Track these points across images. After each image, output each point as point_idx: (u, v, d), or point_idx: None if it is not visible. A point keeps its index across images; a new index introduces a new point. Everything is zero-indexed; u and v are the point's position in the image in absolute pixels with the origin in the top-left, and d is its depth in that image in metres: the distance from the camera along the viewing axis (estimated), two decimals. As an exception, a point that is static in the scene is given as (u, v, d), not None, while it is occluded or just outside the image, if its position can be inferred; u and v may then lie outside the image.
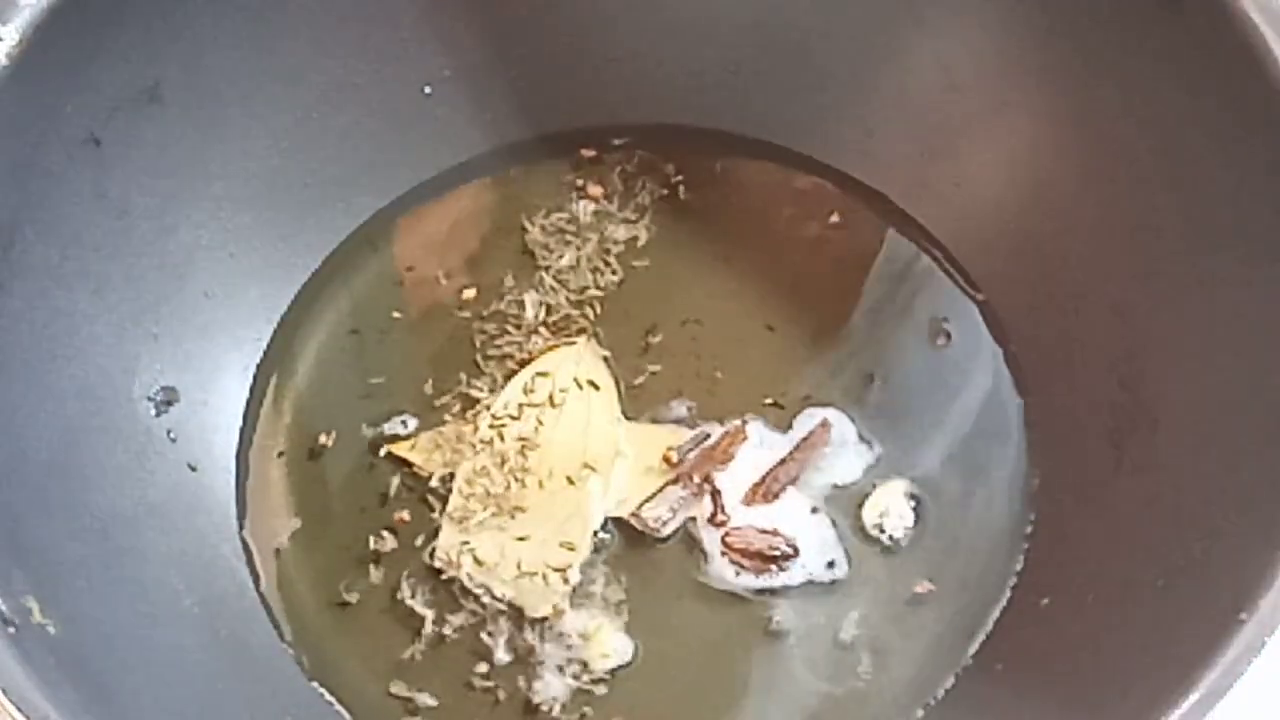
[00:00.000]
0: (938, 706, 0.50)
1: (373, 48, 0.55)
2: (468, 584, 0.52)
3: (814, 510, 0.53)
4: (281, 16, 0.52)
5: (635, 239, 0.59)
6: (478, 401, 0.55)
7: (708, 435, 0.55)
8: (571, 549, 0.52)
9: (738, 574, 0.52)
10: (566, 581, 0.52)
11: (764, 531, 0.53)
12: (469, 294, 0.58)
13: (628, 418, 0.55)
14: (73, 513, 0.46)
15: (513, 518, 0.53)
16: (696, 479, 0.53)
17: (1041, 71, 0.53)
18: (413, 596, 0.52)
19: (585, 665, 0.51)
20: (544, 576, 0.52)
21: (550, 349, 0.57)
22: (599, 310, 0.58)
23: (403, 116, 0.58)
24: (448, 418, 0.55)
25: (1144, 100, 0.49)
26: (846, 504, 0.54)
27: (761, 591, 0.52)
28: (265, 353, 0.57)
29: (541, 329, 0.57)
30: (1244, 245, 0.46)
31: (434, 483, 0.54)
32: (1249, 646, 0.38)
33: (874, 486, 0.54)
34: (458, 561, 0.52)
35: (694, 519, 0.53)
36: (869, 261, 0.59)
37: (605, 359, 0.56)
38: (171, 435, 0.53)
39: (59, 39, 0.45)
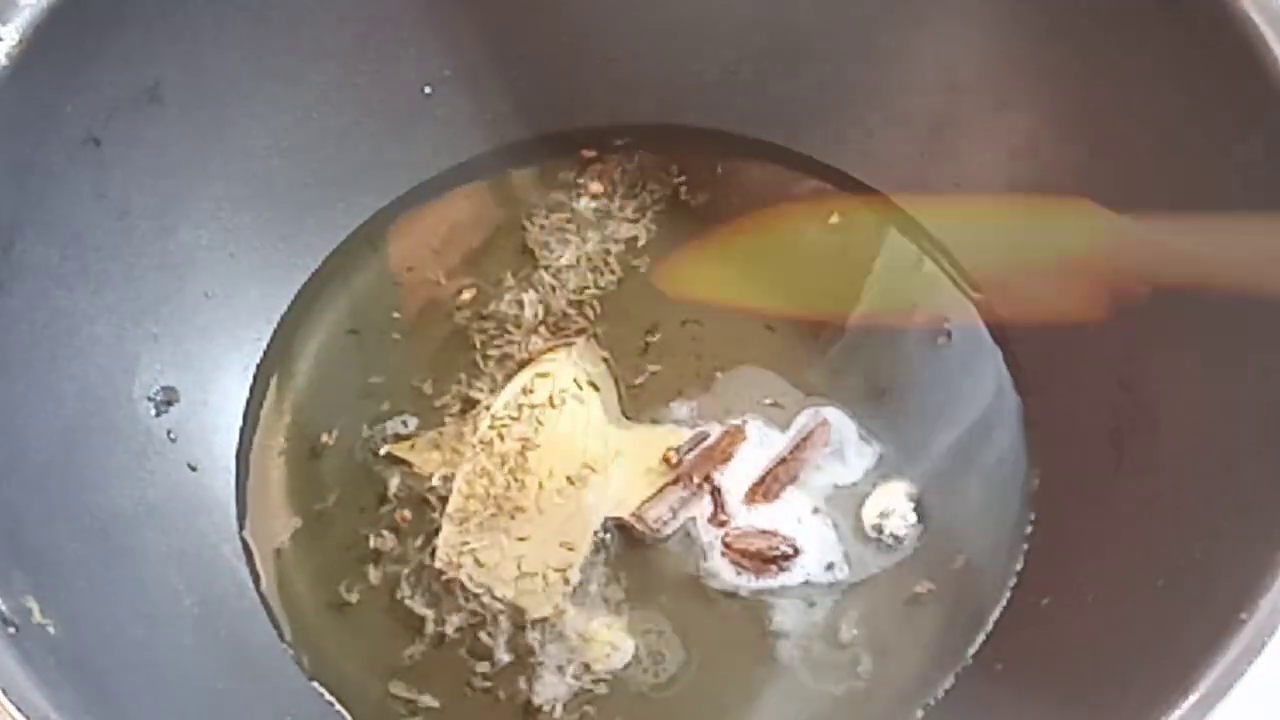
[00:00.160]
0: (938, 706, 0.50)
1: (373, 48, 0.55)
2: (468, 585, 0.52)
3: (814, 510, 0.53)
4: (281, 16, 0.52)
5: (635, 239, 0.59)
6: (477, 402, 0.55)
7: (707, 435, 0.55)
8: (571, 549, 0.52)
9: (738, 574, 0.52)
10: (567, 582, 0.52)
11: (764, 532, 0.53)
12: (469, 294, 0.58)
13: (627, 418, 0.55)
14: (73, 513, 0.46)
15: (513, 518, 0.53)
16: (696, 479, 0.53)
17: (1041, 71, 0.53)
18: (412, 596, 0.52)
19: (586, 666, 0.51)
20: (544, 577, 0.52)
21: (550, 349, 0.57)
22: (599, 310, 0.58)
23: (403, 116, 0.58)
24: (447, 418, 0.55)
25: (1144, 100, 0.49)
26: (847, 504, 0.54)
27: (762, 592, 0.52)
28: (265, 353, 0.57)
29: (541, 329, 0.57)
30: (1244, 245, 0.46)
31: (434, 482, 0.54)
32: (1249, 646, 0.38)
33: (874, 487, 0.54)
34: (458, 563, 0.52)
35: (694, 519, 0.53)
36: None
37: (605, 359, 0.56)
38: (171, 435, 0.53)
39: (59, 39, 0.45)
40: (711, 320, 0.57)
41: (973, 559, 0.53)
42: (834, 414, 0.55)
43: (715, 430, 0.55)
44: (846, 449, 0.54)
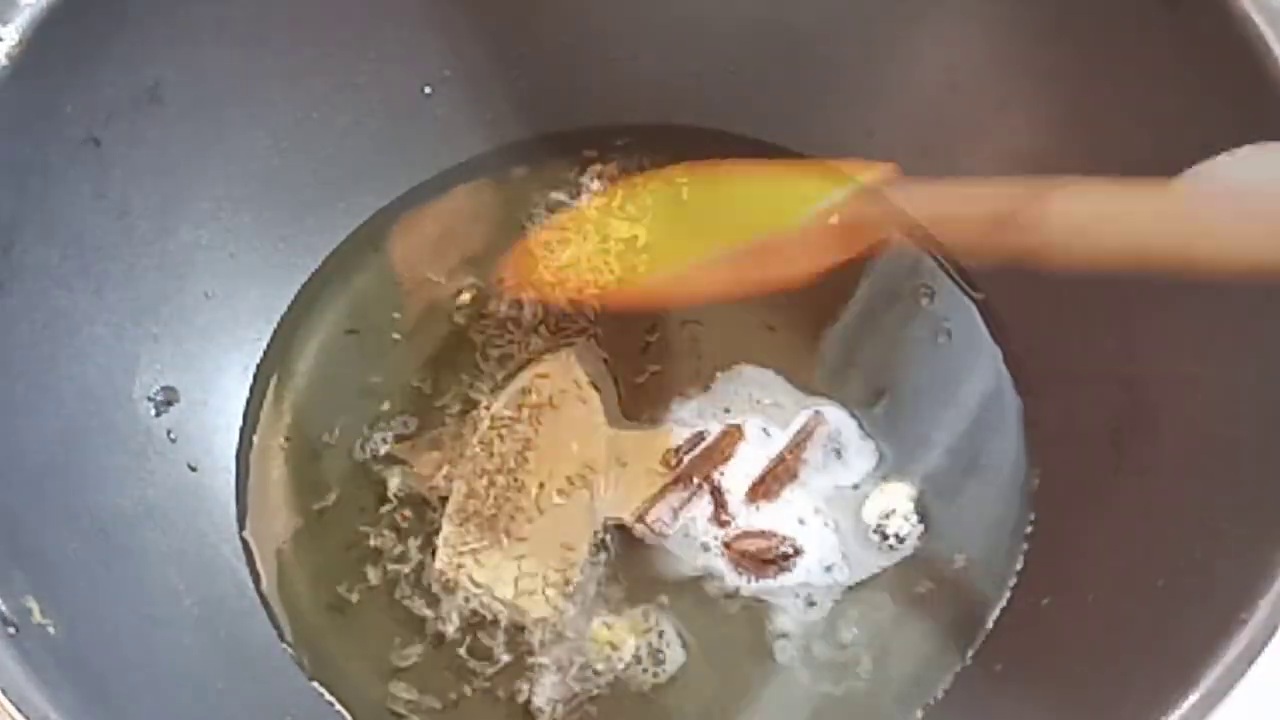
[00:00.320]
0: (938, 706, 0.50)
1: (373, 48, 0.55)
2: (468, 586, 0.52)
3: (815, 511, 0.53)
4: (281, 16, 0.52)
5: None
6: (477, 402, 0.55)
7: (706, 435, 0.54)
8: (571, 550, 0.52)
9: (739, 574, 0.52)
10: (567, 583, 0.52)
11: (765, 532, 0.53)
12: (469, 294, 0.58)
13: (627, 418, 0.55)
14: (73, 513, 0.46)
15: (513, 519, 0.53)
16: (696, 479, 0.53)
17: (1041, 71, 0.53)
18: (412, 597, 0.52)
19: (586, 666, 0.51)
20: (544, 578, 0.52)
21: (550, 350, 0.57)
22: (599, 310, 0.58)
23: (403, 116, 0.58)
24: (447, 418, 0.55)
25: (1144, 100, 0.49)
26: (847, 504, 0.54)
27: (762, 592, 0.52)
28: (265, 353, 0.57)
29: (541, 329, 0.57)
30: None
31: (434, 482, 0.54)
32: (1249, 646, 0.38)
33: (875, 487, 0.54)
34: (458, 563, 0.52)
35: (694, 519, 0.53)
36: (869, 262, 0.58)
37: (605, 360, 0.56)
38: (171, 435, 0.53)
39: (59, 39, 0.45)
40: (711, 320, 0.57)
41: (973, 559, 0.53)
42: (834, 414, 0.55)
43: (714, 430, 0.55)
44: (847, 449, 0.54)
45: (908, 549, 0.53)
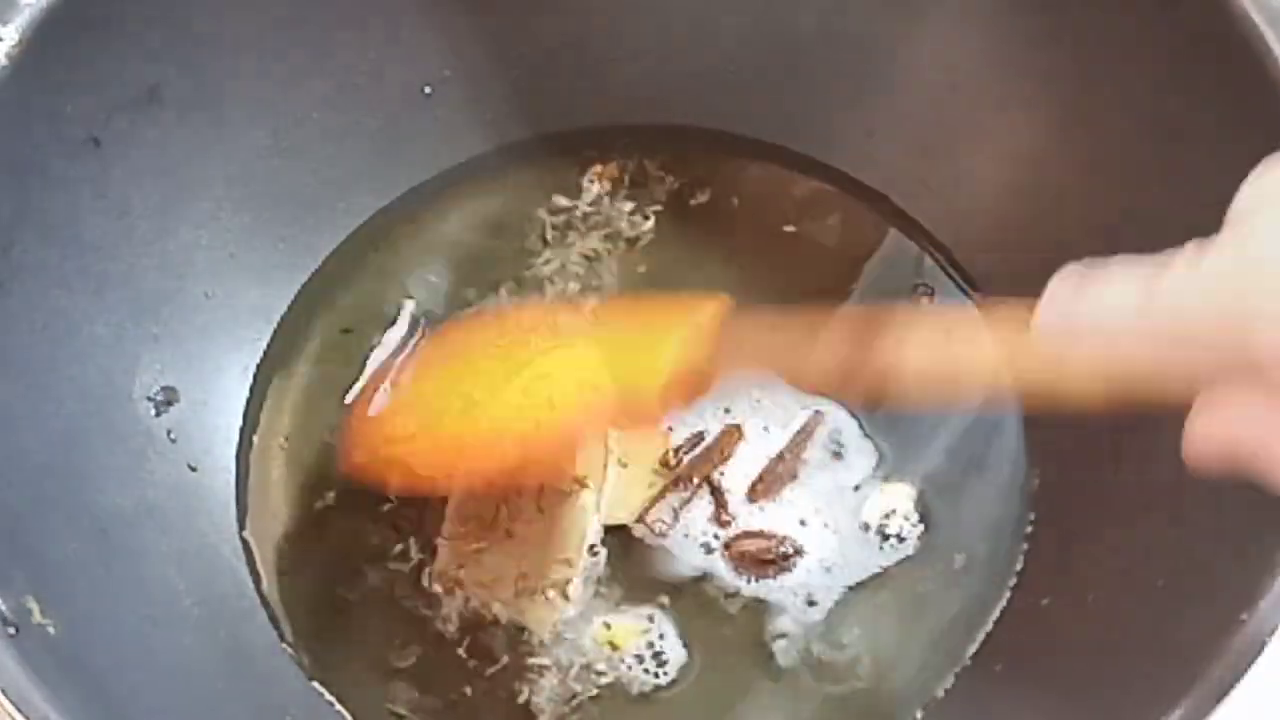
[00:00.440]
0: (938, 706, 0.50)
1: (373, 48, 0.55)
2: (469, 590, 0.52)
3: (816, 511, 0.53)
4: (281, 16, 0.52)
5: (636, 239, 0.59)
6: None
7: (704, 435, 0.54)
8: (570, 564, 0.52)
9: (739, 575, 0.52)
10: (567, 597, 0.52)
11: (765, 533, 0.53)
12: (468, 295, 0.58)
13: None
14: (73, 513, 0.46)
15: (510, 533, 0.52)
16: (696, 479, 0.53)
17: (1041, 71, 0.53)
18: (412, 597, 0.52)
19: (586, 667, 0.51)
20: (543, 594, 0.52)
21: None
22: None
23: (403, 116, 0.58)
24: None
25: (1144, 100, 0.49)
26: (848, 505, 0.54)
27: (762, 592, 0.52)
28: (265, 353, 0.57)
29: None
30: (1244, 245, 0.46)
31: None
32: (1249, 646, 0.38)
33: (875, 487, 0.54)
34: (458, 567, 0.52)
35: (695, 519, 0.53)
36: (869, 262, 0.59)
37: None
38: (171, 435, 0.53)
39: (59, 39, 0.45)
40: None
41: (973, 559, 0.53)
42: (834, 414, 0.55)
43: (714, 430, 0.55)
44: (847, 449, 0.54)
45: (908, 549, 0.53)
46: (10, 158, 0.45)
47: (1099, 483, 0.51)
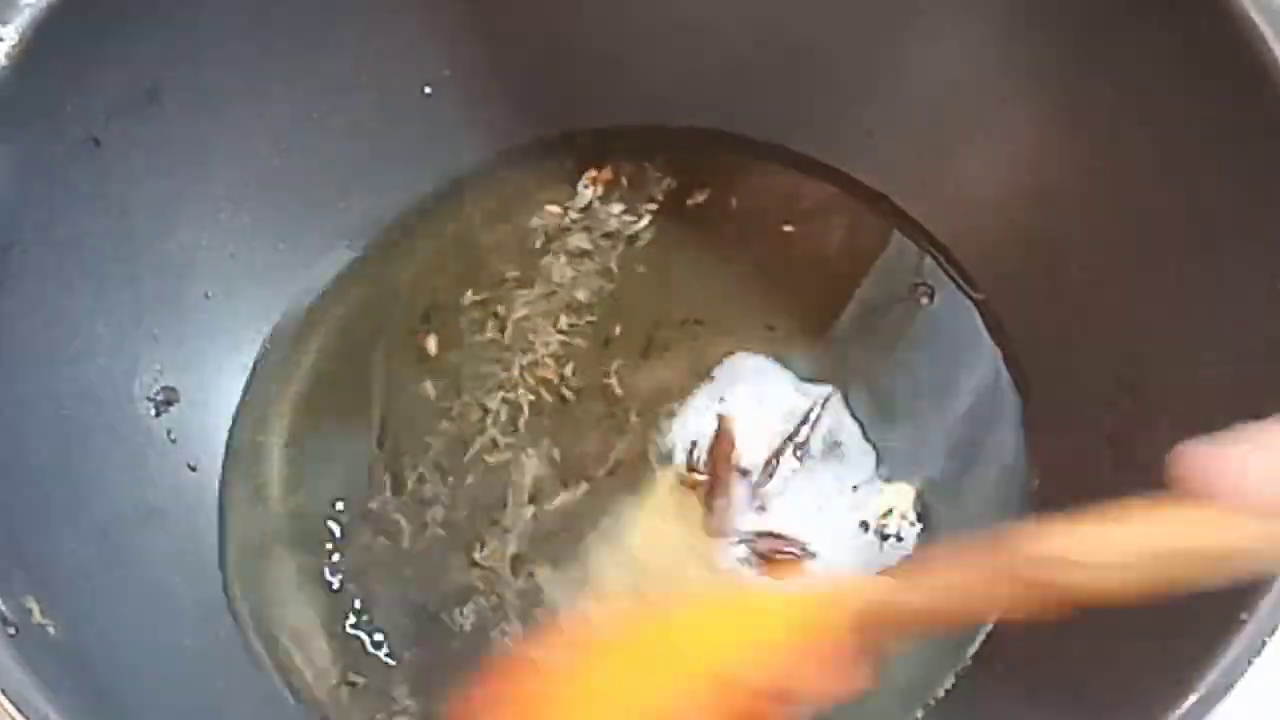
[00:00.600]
0: (938, 706, 0.50)
1: (373, 48, 0.55)
2: None
3: (818, 509, 0.53)
4: (281, 16, 0.52)
5: (636, 239, 0.59)
6: (486, 410, 0.55)
7: (697, 440, 0.54)
8: None
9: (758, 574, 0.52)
10: None
11: (773, 534, 0.53)
12: (469, 295, 0.58)
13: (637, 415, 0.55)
14: (73, 513, 0.46)
15: None
16: (723, 476, 0.53)
17: (1041, 71, 0.53)
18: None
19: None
20: None
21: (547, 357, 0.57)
22: (599, 311, 0.58)
23: (403, 116, 0.58)
24: (446, 422, 0.55)
25: (1144, 100, 0.49)
26: (848, 505, 0.54)
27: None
28: (265, 353, 0.57)
29: (541, 329, 0.57)
30: (1244, 245, 0.46)
31: (435, 488, 0.54)
32: (1249, 646, 0.38)
33: (875, 487, 0.54)
34: None
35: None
36: (869, 262, 0.59)
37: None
38: (171, 435, 0.53)
39: (59, 39, 0.45)
40: (712, 319, 0.57)
41: (973, 559, 0.53)
42: (834, 412, 0.55)
43: (705, 432, 0.54)
44: (847, 449, 0.54)
45: (908, 548, 0.53)
46: (10, 158, 0.45)
47: (1099, 483, 0.51)
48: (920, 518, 0.53)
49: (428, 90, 0.58)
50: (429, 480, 0.54)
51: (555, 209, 0.60)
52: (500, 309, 0.58)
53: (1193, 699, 0.38)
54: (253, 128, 0.54)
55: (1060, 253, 0.54)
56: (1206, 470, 0.32)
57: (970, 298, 0.57)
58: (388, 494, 0.54)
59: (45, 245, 0.47)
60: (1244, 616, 0.38)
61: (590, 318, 0.57)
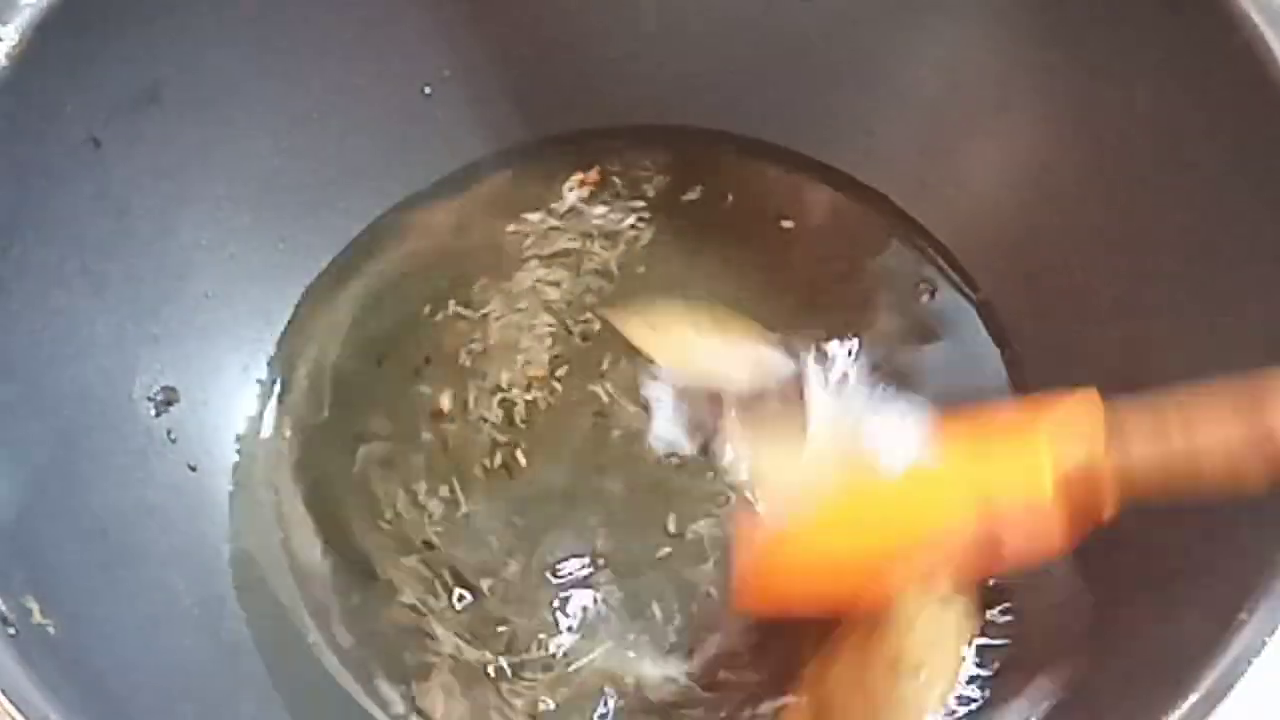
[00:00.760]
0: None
1: (373, 48, 0.55)
2: None
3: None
4: (281, 16, 0.52)
5: (636, 239, 0.59)
6: (485, 418, 0.55)
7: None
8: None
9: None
10: None
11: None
12: (469, 295, 0.58)
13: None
14: (73, 513, 0.46)
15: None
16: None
17: (1041, 71, 0.53)
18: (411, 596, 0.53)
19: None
20: None
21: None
22: (599, 311, 0.58)
23: (403, 117, 0.58)
24: (447, 424, 0.55)
25: (1144, 100, 0.49)
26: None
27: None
28: (265, 353, 0.57)
29: (542, 330, 0.57)
30: (1244, 245, 0.46)
31: (435, 491, 0.54)
32: (1249, 646, 0.38)
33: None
34: None
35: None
36: (869, 262, 0.59)
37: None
38: (171, 435, 0.53)
39: (59, 39, 0.45)
40: (712, 318, 0.57)
41: (973, 559, 0.53)
42: (835, 412, 0.55)
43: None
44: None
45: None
46: (10, 158, 0.45)
47: (1099, 483, 0.51)
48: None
49: (428, 90, 0.58)
50: (434, 494, 0.55)
51: (555, 209, 0.60)
52: (500, 309, 0.58)
53: (1193, 699, 0.38)
54: (253, 128, 0.54)
55: (1060, 252, 0.54)
56: None
57: (970, 298, 0.57)
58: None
59: (45, 245, 0.47)
60: (1244, 616, 0.38)
61: (588, 317, 0.57)
